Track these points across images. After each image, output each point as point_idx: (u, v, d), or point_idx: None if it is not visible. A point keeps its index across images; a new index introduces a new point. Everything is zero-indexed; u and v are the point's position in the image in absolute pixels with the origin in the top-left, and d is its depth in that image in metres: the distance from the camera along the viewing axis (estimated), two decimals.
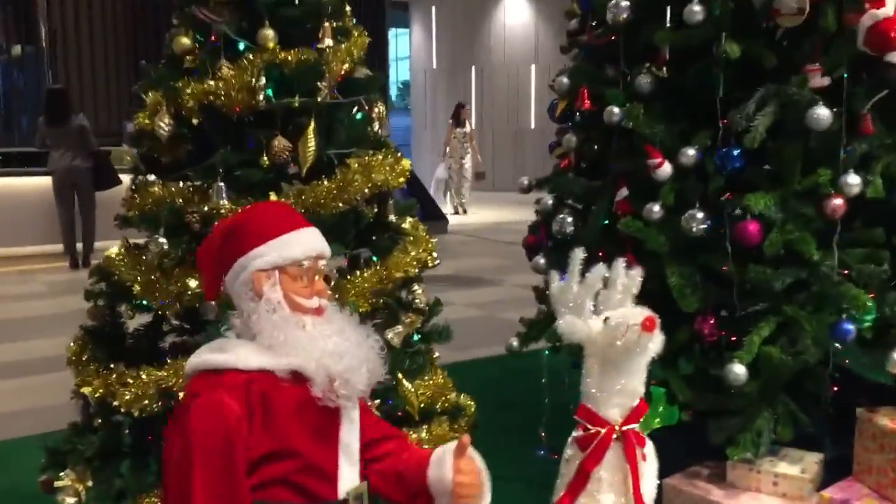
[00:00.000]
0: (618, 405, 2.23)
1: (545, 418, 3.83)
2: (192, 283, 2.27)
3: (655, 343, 2.28)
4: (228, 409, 1.45)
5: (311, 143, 2.32)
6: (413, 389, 2.42)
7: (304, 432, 1.50)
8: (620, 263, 2.38)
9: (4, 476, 3.55)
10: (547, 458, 3.86)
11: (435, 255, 2.66)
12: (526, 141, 17.87)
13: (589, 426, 2.24)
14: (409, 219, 2.71)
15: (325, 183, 2.34)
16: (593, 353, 2.28)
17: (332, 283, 1.70)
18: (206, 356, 1.55)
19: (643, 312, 2.22)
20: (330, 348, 1.52)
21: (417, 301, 2.54)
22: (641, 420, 2.26)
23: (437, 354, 2.79)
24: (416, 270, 2.51)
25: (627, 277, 2.33)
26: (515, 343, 3.72)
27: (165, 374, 2.27)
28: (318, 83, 2.38)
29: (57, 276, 8.59)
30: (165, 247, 2.30)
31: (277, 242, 1.58)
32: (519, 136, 18.08)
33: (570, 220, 3.36)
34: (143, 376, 2.27)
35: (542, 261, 3.56)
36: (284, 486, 1.47)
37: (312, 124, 2.34)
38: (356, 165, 2.39)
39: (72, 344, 2.51)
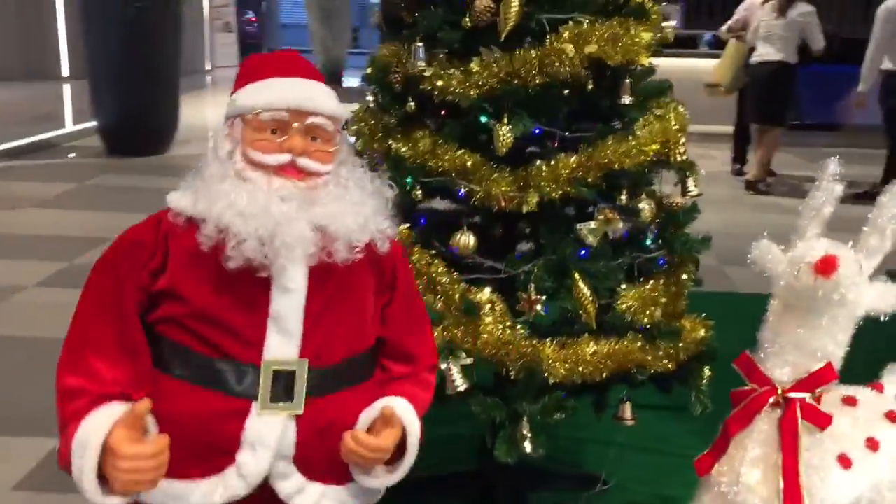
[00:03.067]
0: (790, 364, 1.69)
1: None
2: (399, 147, 2.25)
3: (871, 295, 1.67)
4: (127, 234, 1.47)
5: (514, 3, 2.08)
6: (590, 296, 2.10)
7: (201, 282, 1.43)
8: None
9: None
10: None
11: (683, 141, 2.23)
12: None
13: (746, 380, 1.75)
14: (662, 99, 2.31)
15: (527, 51, 2.10)
16: (777, 293, 1.75)
17: (339, 145, 1.51)
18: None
19: (829, 249, 1.62)
20: (240, 205, 1.39)
21: (622, 197, 2.18)
22: (817, 391, 1.67)
23: (688, 274, 2.36)
24: (630, 161, 2.13)
25: None
26: None
27: None
28: None
29: None
30: (371, 104, 2.33)
31: (248, 89, 1.50)
32: None
33: None
34: None
35: None
36: (180, 328, 1.44)
37: None
38: (567, 33, 2.09)
39: None
